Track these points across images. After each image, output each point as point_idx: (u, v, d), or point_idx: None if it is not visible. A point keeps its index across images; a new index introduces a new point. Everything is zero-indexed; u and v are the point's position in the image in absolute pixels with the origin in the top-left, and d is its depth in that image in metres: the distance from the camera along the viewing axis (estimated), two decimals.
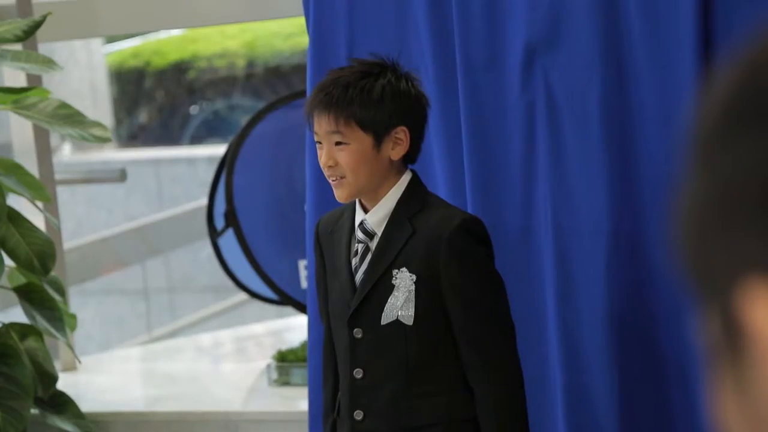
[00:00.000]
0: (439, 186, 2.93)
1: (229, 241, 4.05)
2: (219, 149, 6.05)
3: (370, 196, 2.39)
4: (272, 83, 9.31)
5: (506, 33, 2.78)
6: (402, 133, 2.33)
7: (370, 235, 2.39)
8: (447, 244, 2.32)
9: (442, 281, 2.34)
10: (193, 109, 9.79)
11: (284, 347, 3.79)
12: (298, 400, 3.51)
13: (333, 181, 2.35)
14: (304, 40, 3.21)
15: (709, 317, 0.53)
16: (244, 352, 4.44)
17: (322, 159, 2.34)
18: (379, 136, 2.32)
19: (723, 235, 0.51)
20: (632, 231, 2.73)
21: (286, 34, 9.30)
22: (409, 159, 2.39)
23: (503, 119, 2.81)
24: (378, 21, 2.96)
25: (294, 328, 4.43)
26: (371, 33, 2.94)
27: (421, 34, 2.89)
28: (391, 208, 2.37)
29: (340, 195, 2.37)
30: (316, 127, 2.36)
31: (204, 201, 4.32)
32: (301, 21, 3.11)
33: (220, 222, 4.04)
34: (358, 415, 2.42)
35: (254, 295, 4.19)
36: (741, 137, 0.51)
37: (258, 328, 4.61)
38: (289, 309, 4.32)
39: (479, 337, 2.37)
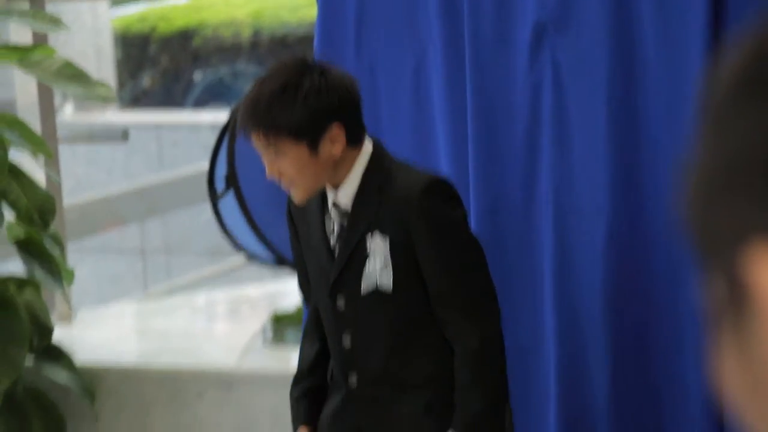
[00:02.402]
0: (442, 159, 2.94)
1: (229, 204, 4.06)
2: (222, 116, 6.08)
3: (331, 183, 2.39)
4: (277, 52, 9.32)
5: (516, 12, 2.78)
6: (336, 129, 2.32)
7: (344, 214, 2.41)
8: (415, 207, 2.34)
9: (415, 243, 2.35)
10: (197, 75, 9.78)
11: (279, 310, 3.82)
12: (291, 361, 3.50)
13: (285, 186, 2.36)
14: (311, 13, 3.21)
15: (713, 280, 0.55)
16: (239, 313, 4.46)
17: (267, 171, 2.35)
18: (313, 141, 2.31)
19: (730, 201, 0.53)
20: (632, 212, 2.74)
21: (293, 6, 9.29)
22: (356, 139, 2.38)
23: (509, 96, 2.82)
24: None
25: (289, 292, 4.43)
26: (379, 7, 2.93)
27: (430, 9, 2.88)
28: (357, 184, 2.38)
29: (297, 199, 2.39)
30: (253, 142, 2.36)
31: (205, 166, 4.31)
32: None
33: (220, 185, 4.04)
34: (353, 379, 2.45)
35: (252, 256, 4.20)
36: (750, 107, 0.52)
37: (253, 290, 4.62)
38: (285, 273, 4.33)
39: (453, 294, 2.39)
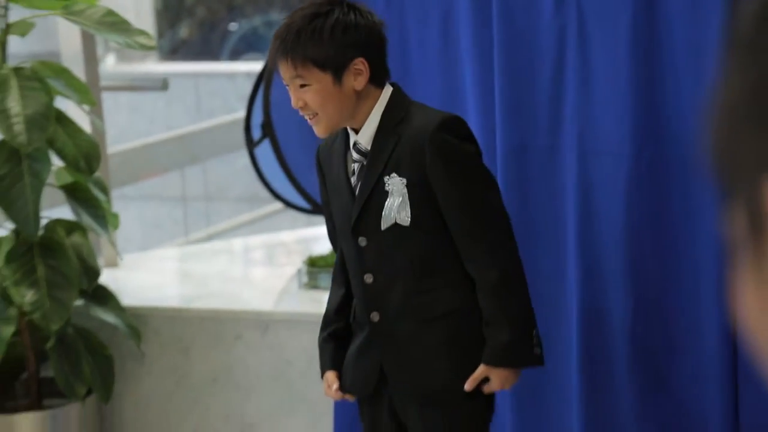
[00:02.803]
0: (469, 105, 2.86)
1: (264, 151, 3.97)
2: (257, 65, 5.91)
3: (352, 121, 2.36)
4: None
5: None
6: (360, 64, 2.29)
7: (364, 154, 2.37)
8: (430, 144, 2.30)
9: (432, 180, 2.31)
10: (233, 26, 9.66)
11: (313, 255, 3.69)
12: (325, 304, 3.26)
13: (309, 119, 2.33)
14: None
15: (735, 211, 0.53)
16: (275, 258, 4.35)
17: (292, 101, 2.33)
18: (337, 72, 2.28)
19: (753, 133, 0.51)
20: (653, 155, 2.66)
21: None
22: (379, 80, 2.35)
23: (535, 41, 2.73)
24: None
25: (322, 237, 4.16)
26: None
27: None
28: (377, 124, 2.34)
29: (318, 131, 2.35)
30: (281, 74, 2.34)
31: (242, 114, 4.22)
32: None
33: (257, 133, 3.96)
34: (375, 316, 2.40)
35: (287, 203, 4.11)
36: None
37: (288, 236, 4.51)
38: (319, 219, 4.09)
39: (472, 228, 2.34)
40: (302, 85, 2.30)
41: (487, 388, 2.39)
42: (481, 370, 2.36)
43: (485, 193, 2.36)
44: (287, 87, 2.35)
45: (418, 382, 2.41)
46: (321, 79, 2.29)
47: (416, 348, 2.40)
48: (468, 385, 2.36)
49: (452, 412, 2.41)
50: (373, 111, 2.35)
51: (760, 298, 0.51)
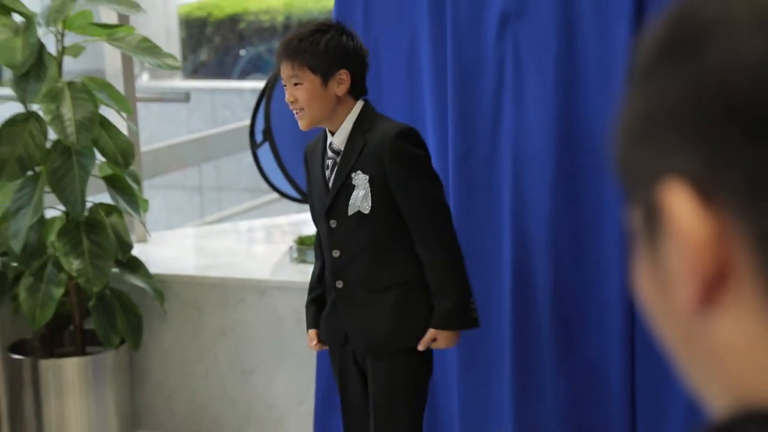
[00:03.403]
0: (428, 115, 2.82)
1: (265, 152, 3.91)
2: (261, 83, 5.87)
3: (330, 124, 2.32)
4: None
5: (486, 3, 2.68)
6: (344, 75, 2.28)
7: (336, 152, 2.33)
8: (389, 149, 2.27)
9: (389, 179, 2.28)
10: (242, 51, 9.58)
11: (302, 235, 3.63)
12: (310, 274, 3.28)
13: (296, 114, 2.31)
14: (330, 4, 3.14)
15: (634, 209, 0.52)
16: (272, 237, 4.28)
17: (286, 96, 2.31)
18: (325, 77, 2.27)
19: (646, 149, 0.50)
20: (571, 159, 2.65)
21: None
22: (356, 93, 2.32)
23: (480, 68, 2.70)
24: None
25: (310, 221, 4.04)
26: (384, 4, 2.82)
27: (422, 1, 2.77)
28: (349, 130, 2.31)
29: (302, 124, 2.33)
30: (281, 74, 2.32)
31: (247, 122, 4.11)
32: None
33: (259, 137, 3.89)
34: (339, 284, 2.37)
35: (282, 194, 4.05)
36: (664, 69, 0.49)
37: (282, 220, 4.44)
38: (306, 206, 4.04)
39: (421, 218, 2.31)
40: (296, 84, 2.28)
41: (434, 346, 2.35)
42: (430, 333, 2.32)
43: (432, 189, 2.33)
44: (284, 86, 2.33)
45: (370, 338, 2.36)
46: (312, 81, 2.27)
47: (369, 311, 2.36)
48: (421, 346, 2.32)
49: (395, 365, 2.36)
50: (347, 118, 2.32)
51: (653, 280, 0.51)
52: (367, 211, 2.30)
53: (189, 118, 8.18)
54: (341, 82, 2.28)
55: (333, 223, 2.35)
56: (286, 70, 2.29)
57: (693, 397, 0.51)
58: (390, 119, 2.40)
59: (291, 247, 3.57)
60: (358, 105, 2.33)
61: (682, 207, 0.46)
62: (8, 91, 3.15)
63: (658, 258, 0.49)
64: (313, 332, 2.45)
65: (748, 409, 0.45)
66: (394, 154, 2.28)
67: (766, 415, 0.45)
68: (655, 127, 0.49)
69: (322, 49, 2.27)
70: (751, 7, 0.45)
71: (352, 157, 2.31)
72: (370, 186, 2.29)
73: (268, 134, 3.83)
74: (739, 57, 0.44)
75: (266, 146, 3.85)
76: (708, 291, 0.46)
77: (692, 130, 0.46)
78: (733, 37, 0.45)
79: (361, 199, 2.31)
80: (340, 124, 2.31)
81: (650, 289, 0.51)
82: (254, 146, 3.91)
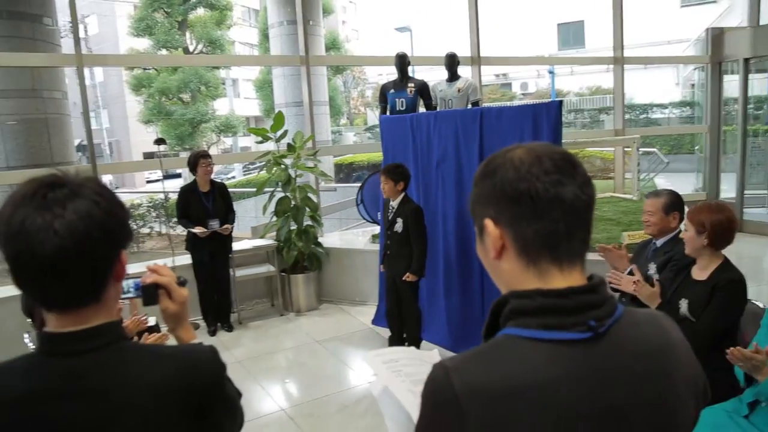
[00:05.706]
0: (413, 190, 4.89)
1: (362, 203, 6.31)
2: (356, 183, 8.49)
3: (393, 198, 4.40)
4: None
5: (432, 154, 4.65)
6: (402, 183, 4.25)
7: (392, 209, 4.33)
8: (409, 212, 4.36)
9: (408, 223, 4.36)
10: None
11: (373, 233, 6.05)
12: (378, 249, 5.77)
13: (383, 192, 4.31)
14: None
15: (476, 226, 1.14)
16: (364, 235, 6.74)
17: (381, 187, 4.28)
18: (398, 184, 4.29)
19: (480, 205, 1.13)
20: (462, 211, 4.56)
21: None
22: (405, 188, 4.31)
23: (430, 180, 4.83)
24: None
25: (376, 230, 6.49)
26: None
27: (409, 144, 4.79)
28: (399, 200, 4.37)
29: (385, 195, 4.32)
30: (381, 182, 4.33)
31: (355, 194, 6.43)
32: None
33: (359, 198, 6.33)
34: (389, 254, 4.60)
35: (367, 219, 6.50)
36: (484, 181, 1.14)
37: (367, 228, 6.90)
38: (375, 225, 6.71)
39: (415, 239, 4.49)
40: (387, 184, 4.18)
41: (408, 279, 4.56)
42: (411, 275, 4.56)
43: (421, 228, 4.43)
44: (381, 185, 4.22)
45: (395, 271, 4.65)
46: (389, 184, 4.27)
47: (396, 263, 4.65)
48: (409, 278, 4.59)
49: (403, 282, 4.63)
50: (400, 197, 4.34)
51: (482, 252, 1.13)
52: (399, 230, 4.27)
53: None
54: (401, 190, 4.29)
55: (389, 236, 4.44)
56: (385, 183, 4.31)
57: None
58: (412, 200, 4.31)
59: (369, 238, 6.40)
60: (403, 192, 4.29)
61: (490, 225, 1.13)
62: None
63: (483, 243, 1.15)
64: (383, 267, 4.69)
65: (513, 291, 1.17)
66: (410, 214, 4.21)
67: (518, 293, 1.14)
68: (481, 200, 1.14)
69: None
70: (513, 159, 1.14)
71: (399, 213, 4.17)
72: (402, 224, 4.24)
73: (361, 197, 6.28)
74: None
75: (362, 205, 6.37)
76: (499, 253, 1.14)
77: (492, 202, 1.14)
78: (506, 171, 1.12)
79: (399, 228, 4.25)
80: (398, 198, 4.33)
81: (482, 255, 1.14)
82: (357, 205, 6.48)
